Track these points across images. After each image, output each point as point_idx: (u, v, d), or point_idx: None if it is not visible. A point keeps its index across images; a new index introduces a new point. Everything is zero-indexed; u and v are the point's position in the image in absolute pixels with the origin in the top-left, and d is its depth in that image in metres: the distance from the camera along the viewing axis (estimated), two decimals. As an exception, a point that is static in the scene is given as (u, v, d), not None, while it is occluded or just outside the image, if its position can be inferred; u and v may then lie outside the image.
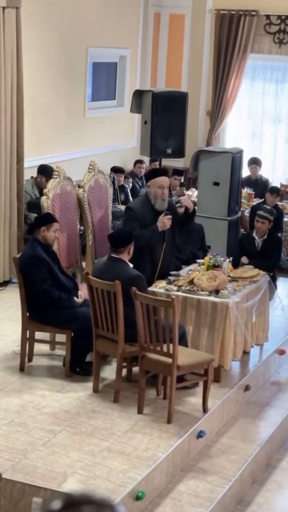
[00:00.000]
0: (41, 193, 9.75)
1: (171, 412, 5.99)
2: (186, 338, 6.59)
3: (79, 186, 8.01)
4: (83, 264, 8.07)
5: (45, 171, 9.79)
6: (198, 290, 6.85)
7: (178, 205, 7.62)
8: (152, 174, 7.59)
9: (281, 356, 7.80)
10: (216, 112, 13.34)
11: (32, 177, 9.88)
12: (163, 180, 7.30)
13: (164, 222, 7.15)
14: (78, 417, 5.99)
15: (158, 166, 10.94)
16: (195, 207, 9.52)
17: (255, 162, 12.28)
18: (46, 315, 6.67)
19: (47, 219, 6.88)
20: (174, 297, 6.17)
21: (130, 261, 6.54)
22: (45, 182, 9.76)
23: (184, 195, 10.77)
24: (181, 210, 7.53)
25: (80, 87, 11.54)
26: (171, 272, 7.31)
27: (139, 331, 6.04)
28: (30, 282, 6.63)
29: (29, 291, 6.66)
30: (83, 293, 6.84)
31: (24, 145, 9.13)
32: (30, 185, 9.70)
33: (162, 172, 7.78)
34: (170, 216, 7.19)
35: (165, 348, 5.94)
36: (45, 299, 6.62)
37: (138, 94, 9.52)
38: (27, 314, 6.77)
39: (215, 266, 7.22)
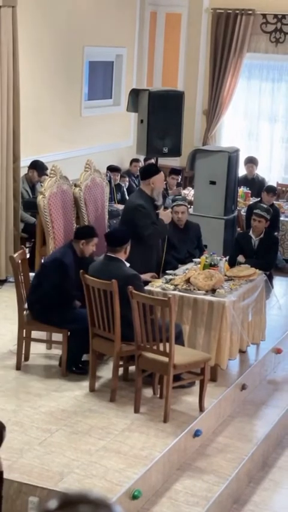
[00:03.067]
0: (32, 188, 9.81)
1: (168, 411, 5.99)
2: (182, 337, 6.60)
3: (75, 185, 8.01)
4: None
5: (36, 165, 9.82)
6: (194, 289, 6.85)
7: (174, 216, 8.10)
8: (154, 170, 7.55)
9: (278, 355, 7.80)
10: (213, 111, 13.34)
11: (24, 174, 9.89)
12: (163, 175, 7.59)
13: (168, 215, 7.42)
14: (75, 417, 5.99)
15: (151, 162, 10.95)
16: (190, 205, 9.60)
17: (251, 161, 12.28)
18: (44, 314, 6.66)
19: (89, 234, 6.83)
20: (170, 296, 6.17)
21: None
22: (36, 176, 9.81)
23: (181, 194, 10.77)
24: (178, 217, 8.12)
25: (76, 86, 11.54)
26: (167, 271, 7.34)
27: (136, 330, 6.04)
28: (42, 281, 6.63)
29: (37, 288, 6.65)
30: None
31: (20, 144, 9.12)
32: (21, 180, 9.69)
33: (158, 167, 7.87)
34: (169, 210, 7.40)
35: (161, 347, 5.94)
36: (46, 300, 6.62)
37: (135, 93, 9.52)
38: (28, 313, 6.76)
39: (212, 265, 7.22)
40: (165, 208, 7.43)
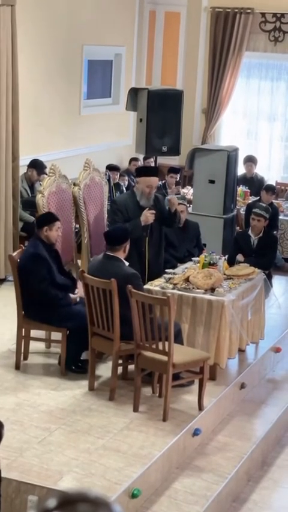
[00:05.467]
0: (31, 187, 9.80)
1: (167, 410, 5.99)
2: (181, 335, 6.59)
3: (74, 184, 8.01)
4: (79, 262, 8.06)
5: (36, 165, 9.82)
6: (193, 288, 6.85)
7: (169, 197, 7.64)
8: (143, 171, 7.61)
9: (277, 354, 7.80)
10: (212, 110, 13.34)
11: (23, 173, 9.87)
12: (152, 180, 7.34)
13: (147, 216, 7.20)
14: (74, 416, 5.99)
15: (151, 164, 10.94)
16: (190, 205, 9.56)
17: (250, 160, 12.28)
18: (41, 314, 6.66)
19: (49, 219, 6.84)
20: (169, 295, 6.17)
21: None
22: (35, 176, 9.80)
23: (180, 193, 10.77)
24: (174, 207, 7.47)
25: (75, 85, 11.54)
26: (166, 270, 7.33)
27: (135, 329, 6.04)
28: (28, 280, 6.61)
29: (26, 289, 6.65)
30: (79, 290, 6.84)
31: (19, 143, 9.11)
32: (20, 179, 9.69)
33: (153, 171, 7.78)
34: (153, 211, 7.23)
35: (160, 346, 5.94)
36: (42, 298, 6.61)
37: (134, 92, 9.52)
38: (23, 312, 6.76)
39: (211, 264, 7.22)
40: (151, 208, 7.29)
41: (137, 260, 7.14)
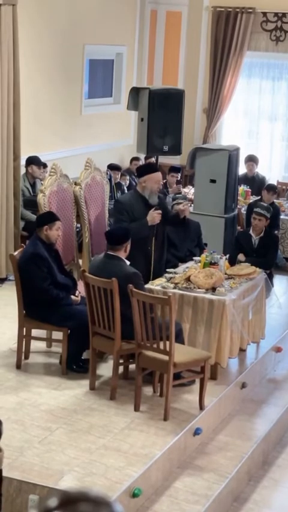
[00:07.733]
0: (33, 186, 9.78)
1: (168, 409, 6.00)
2: (182, 335, 6.60)
3: (76, 183, 8.01)
4: (80, 261, 8.07)
5: (32, 160, 9.75)
6: (194, 288, 6.85)
7: (180, 207, 7.84)
8: (147, 169, 7.60)
9: (278, 354, 7.80)
10: (213, 110, 13.33)
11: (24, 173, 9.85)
12: (159, 176, 7.45)
13: (154, 216, 7.21)
14: (75, 415, 6.00)
15: (151, 161, 10.93)
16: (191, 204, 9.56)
17: (252, 160, 12.28)
18: (42, 313, 6.67)
19: (50, 218, 6.85)
20: (170, 294, 6.17)
21: None
22: (37, 170, 9.76)
23: (181, 192, 10.77)
24: (184, 214, 7.87)
25: (76, 84, 11.54)
26: (167, 270, 7.33)
27: (136, 328, 6.04)
28: (29, 280, 6.61)
29: (26, 288, 6.65)
30: (80, 290, 6.84)
31: (20, 142, 9.12)
32: (22, 179, 9.67)
33: (155, 166, 7.83)
34: (160, 211, 7.24)
35: (161, 346, 5.94)
36: (43, 298, 6.61)
37: (135, 91, 9.53)
38: (24, 312, 6.76)
39: (212, 263, 7.22)
40: (158, 208, 7.30)
41: (142, 260, 7.15)
